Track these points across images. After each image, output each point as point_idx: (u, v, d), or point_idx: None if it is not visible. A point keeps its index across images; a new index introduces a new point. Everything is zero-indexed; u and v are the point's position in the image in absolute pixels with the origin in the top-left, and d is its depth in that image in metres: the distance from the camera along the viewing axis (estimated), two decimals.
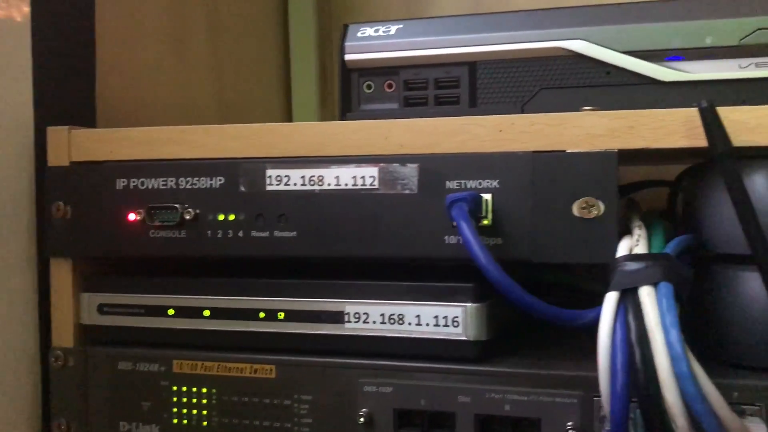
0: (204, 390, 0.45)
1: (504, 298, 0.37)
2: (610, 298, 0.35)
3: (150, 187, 0.45)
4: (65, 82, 0.50)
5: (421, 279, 0.43)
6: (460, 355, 0.42)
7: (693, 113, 0.38)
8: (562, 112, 0.40)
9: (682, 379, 0.33)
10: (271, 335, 0.44)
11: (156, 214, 0.45)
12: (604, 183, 0.39)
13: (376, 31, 0.53)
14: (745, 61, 0.47)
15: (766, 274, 0.37)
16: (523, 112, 0.49)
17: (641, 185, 0.59)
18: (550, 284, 0.60)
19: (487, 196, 0.40)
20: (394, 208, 0.42)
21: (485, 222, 0.40)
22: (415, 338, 0.42)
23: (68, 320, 0.47)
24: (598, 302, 0.36)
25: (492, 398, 0.41)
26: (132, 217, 0.46)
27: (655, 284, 0.35)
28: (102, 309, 0.47)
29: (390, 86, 0.53)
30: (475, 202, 0.39)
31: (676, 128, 0.38)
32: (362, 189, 0.42)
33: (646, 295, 0.34)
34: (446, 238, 0.41)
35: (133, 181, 0.46)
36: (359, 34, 0.53)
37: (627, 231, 0.40)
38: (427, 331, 0.42)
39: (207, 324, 0.45)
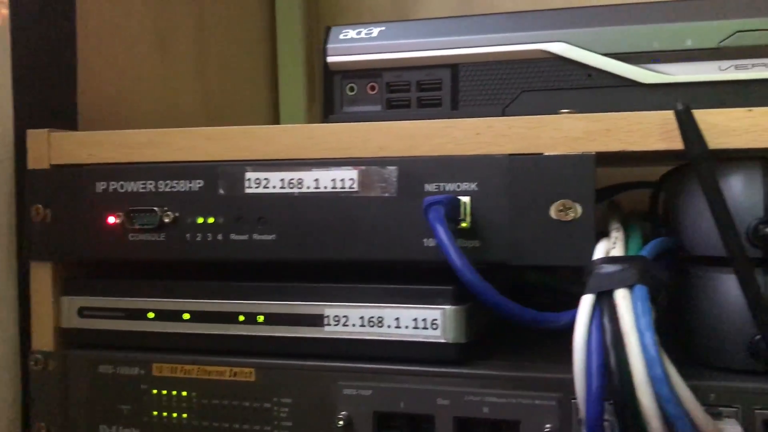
0: (184, 393, 0.45)
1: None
2: (586, 301, 0.35)
3: (129, 190, 0.45)
4: (45, 85, 0.50)
5: (401, 282, 0.43)
6: (440, 358, 0.42)
7: (669, 116, 0.38)
8: (540, 115, 0.40)
9: (656, 381, 0.33)
10: (250, 338, 0.44)
11: (135, 218, 0.45)
12: (582, 186, 0.39)
13: (359, 33, 0.53)
14: (724, 64, 0.47)
15: (743, 277, 0.37)
16: (504, 114, 0.50)
17: (625, 187, 0.59)
18: (536, 286, 0.61)
19: (466, 199, 0.40)
20: (374, 210, 0.42)
21: (464, 225, 0.41)
22: (394, 341, 0.42)
23: (48, 324, 0.47)
24: (576, 305, 0.36)
25: (471, 401, 0.41)
26: (112, 220, 0.46)
27: (630, 287, 0.35)
28: (82, 312, 0.47)
29: (373, 88, 0.53)
30: (453, 205, 0.39)
31: (653, 131, 0.38)
32: (341, 192, 0.42)
33: (621, 297, 0.35)
34: (425, 240, 0.41)
35: (113, 184, 0.46)
36: (341, 36, 0.53)
37: (606, 233, 0.41)
38: (407, 334, 0.42)
39: (187, 327, 0.45)
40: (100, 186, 0.46)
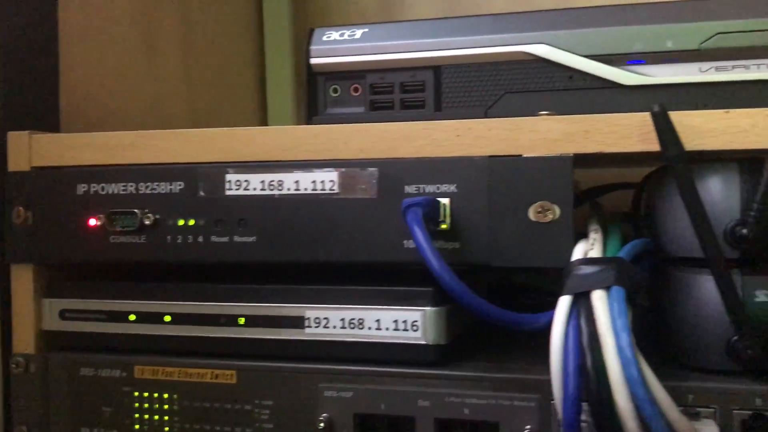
0: (165, 395, 0.45)
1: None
2: (563, 302, 0.35)
3: (110, 192, 0.45)
4: (27, 87, 0.50)
5: (382, 283, 0.43)
6: (420, 359, 0.42)
7: (648, 117, 0.38)
8: (519, 117, 0.40)
9: (632, 382, 0.33)
10: (231, 341, 0.44)
11: (116, 220, 0.45)
12: (560, 187, 0.39)
13: (342, 35, 0.53)
14: (705, 65, 0.47)
15: (719, 278, 0.37)
16: (487, 116, 0.50)
17: (608, 188, 0.59)
18: (523, 288, 0.61)
19: (445, 201, 0.41)
20: (354, 212, 0.42)
21: (443, 226, 0.41)
22: (374, 343, 0.42)
23: (29, 326, 0.47)
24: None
25: (451, 402, 0.41)
26: (93, 222, 0.46)
27: (607, 288, 0.35)
28: (64, 315, 0.47)
29: (356, 90, 0.53)
30: (431, 207, 0.39)
31: (631, 132, 0.38)
32: (322, 194, 0.42)
33: (598, 299, 0.35)
34: (405, 242, 0.41)
35: (94, 187, 0.46)
36: (325, 38, 0.53)
37: (586, 235, 0.41)
38: (387, 336, 0.42)
39: (168, 329, 0.45)
40: (81, 188, 0.46)
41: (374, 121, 0.44)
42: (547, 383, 0.36)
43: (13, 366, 0.47)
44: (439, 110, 0.51)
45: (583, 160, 0.41)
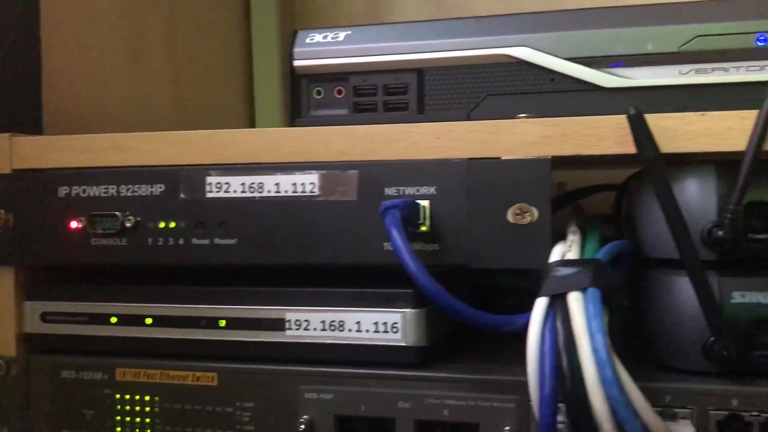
0: (147, 398, 0.45)
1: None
2: (540, 304, 0.36)
3: (91, 194, 0.45)
4: (8, 89, 0.50)
5: (363, 285, 0.43)
6: (400, 361, 0.42)
7: (624, 120, 0.38)
8: (498, 120, 0.40)
9: (607, 384, 0.33)
10: (212, 343, 0.44)
11: (97, 222, 0.45)
12: (538, 189, 0.39)
13: (325, 37, 0.53)
14: (685, 68, 0.47)
15: (695, 279, 0.37)
16: (469, 118, 0.50)
17: (591, 190, 0.59)
18: (507, 289, 0.61)
19: (425, 203, 0.41)
20: (334, 215, 0.42)
21: (423, 228, 0.41)
22: (355, 345, 0.42)
23: (10, 329, 0.47)
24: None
25: (431, 404, 0.41)
26: (74, 224, 0.46)
27: (583, 290, 0.35)
28: (45, 317, 0.47)
29: (340, 92, 0.53)
30: (410, 209, 0.40)
31: (608, 135, 0.39)
32: (302, 196, 0.43)
33: (574, 300, 0.35)
34: (385, 244, 0.41)
35: (75, 189, 0.46)
36: (308, 40, 0.54)
37: (564, 237, 0.41)
38: (367, 338, 0.42)
39: (149, 332, 0.45)
40: (63, 190, 0.46)
41: (358, 123, 0.44)
42: (526, 384, 0.36)
43: None
44: (422, 112, 0.51)
45: (563, 162, 0.41)
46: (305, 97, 0.54)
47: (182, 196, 0.44)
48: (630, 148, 0.38)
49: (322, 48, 0.53)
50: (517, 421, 0.40)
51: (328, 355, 0.42)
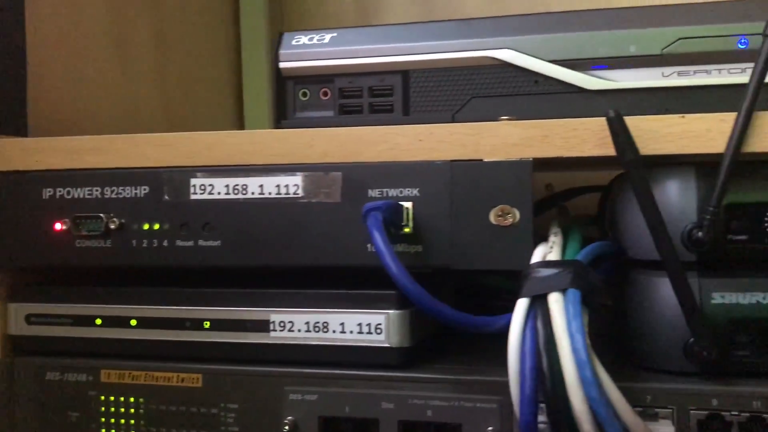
0: (131, 399, 0.45)
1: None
2: (521, 305, 0.36)
3: (75, 196, 0.45)
4: None
5: (347, 287, 0.43)
6: (384, 362, 0.42)
7: (605, 122, 0.39)
8: (480, 122, 0.41)
9: (586, 384, 0.33)
10: (197, 344, 0.44)
11: (81, 224, 0.45)
12: (520, 191, 0.39)
13: (311, 39, 0.53)
14: (667, 70, 0.48)
15: (675, 280, 0.37)
16: (454, 120, 0.50)
17: (577, 192, 0.60)
18: (495, 290, 0.61)
19: (408, 205, 0.41)
20: (318, 216, 0.42)
21: (406, 230, 0.41)
22: (339, 346, 0.42)
23: None
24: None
25: (415, 404, 0.41)
26: (58, 226, 0.46)
27: (563, 291, 0.35)
28: (29, 319, 0.47)
29: (325, 94, 0.53)
30: (393, 211, 0.40)
31: (589, 137, 0.39)
32: (286, 198, 0.43)
33: (554, 301, 0.35)
34: (369, 246, 0.42)
35: (59, 191, 0.46)
36: (294, 42, 0.54)
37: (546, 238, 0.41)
38: (351, 339, 0.42)
39: (134, 333, 0.45)
40: (47, 192, 0.46)
41: (344, 125, 0.44)
42: (508, 385, 0.36)
43: None
44: (408, 114, 0.52)
45: (550, 163, 0.41)
46: (291, 98, 0.54)
47: (166, 197, 0.44)
48: (611, 150, 0.38)
49: (308, 50, 0.53)
50: (500, 421, 0.40)
51: (312, 356, 0.43)
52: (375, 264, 0.41)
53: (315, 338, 0.43)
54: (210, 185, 0.43)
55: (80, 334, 0.46)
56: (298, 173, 0.43)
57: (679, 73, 0.48)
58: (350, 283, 0.44)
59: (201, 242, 0.43)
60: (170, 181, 0.44)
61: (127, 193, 0.44)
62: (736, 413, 0.37)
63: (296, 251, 0.43)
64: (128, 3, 0.66)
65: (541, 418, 0.35)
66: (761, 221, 0.39)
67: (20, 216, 0.46)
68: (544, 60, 0.49)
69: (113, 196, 0.45)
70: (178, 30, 0.74)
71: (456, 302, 0.42)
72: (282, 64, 0.54)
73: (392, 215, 0.40)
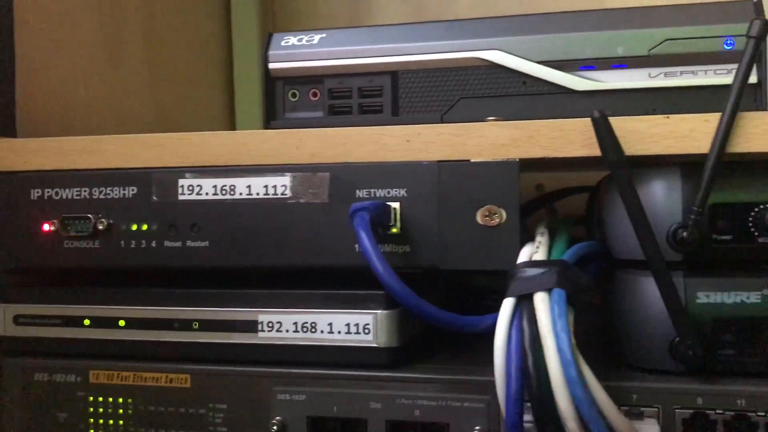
0: (120, 400, 0.45)
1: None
2: (507, 304, 0.36)
3: (64, 197, 0.45)
4: None
5: (336, 287, 0.43)
6: (372, 362, 0.42)
7: (590, 123, 0.39)
8: (467, 123, 0.41)
9: (571, 383, 0.33)
10: (185, 345, 0.44)
11: (70, 225, 0.45)
12: (506, 191, 0.40)
13: (300, 40, 0.54)
14: (654, 71, 0.48)
15: (660, 280, 0.38)
16: (443, 121, 0.50)
17: (567, 192, 0.60)
18: (484, 290, 0.61)
19: (395, 205, 0.41)
20: (306, 217, 0.42)
21: (394, 230, 0.41)
22: (327, 346, 0.42)
23: None
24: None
25: (403, 404, 0.41)
26: (47, 227, 0.46)
27: (549, 290, 0.36)
28: (18, 320, 0.47)
29: (315, 95, 0.54)
30: (381, 211, 0.40)
31: (575, 138, 0.39)
32: (274, 198, 0.43)
33: (540, 301, 0.35)
34: (356, 246, 0.42)
35: (48, 191, 0.46)
36: (283, 43, 0.54)
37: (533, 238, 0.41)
38: (339, 339, 0.42)
39: (122, 334, 0.45)
40: (35, 193, 0.46)
41: (333, 125, 0.44)
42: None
43: None
44: (397, 115, 0.52)
45: (539, 164, 0.42)
46: (280, 99, 0.54)
47: (154, 198, 0.44)
48: (596, 151, 0.39)
49: (297, 51, 0.53)
50: (487, 421, 0.40)
51: (300, 356, 0.43)
52: (363, 264, 0.41)
53: (303, 338, 0.43)
54: (198, 186, 0.44)
55: (69, 335, 0.46)
56: (286, 174, 0.43)
57: (666, 74, 0.48)
58: (338, 283, 0.44)
59: (189, 243, 0.44)
60: (158, 181, 0.44)
61: (116, 194, 0.45)
62: (721, 412, 0.38)
63: (284, 251, 0.43)
64: (118, 3, 0.65)
65: (527, 417, 0.35)
66: (746, 221, 0.39)
67: (8, 217, 0.46)
68: (532, 61, 0.49)
69: (101, 196, 0.45)
70: (168, 29, 0.74)
71: (446, 302, 0.42)
72: (271, 65, 0.54)
73: (380, 215, 0.40)
